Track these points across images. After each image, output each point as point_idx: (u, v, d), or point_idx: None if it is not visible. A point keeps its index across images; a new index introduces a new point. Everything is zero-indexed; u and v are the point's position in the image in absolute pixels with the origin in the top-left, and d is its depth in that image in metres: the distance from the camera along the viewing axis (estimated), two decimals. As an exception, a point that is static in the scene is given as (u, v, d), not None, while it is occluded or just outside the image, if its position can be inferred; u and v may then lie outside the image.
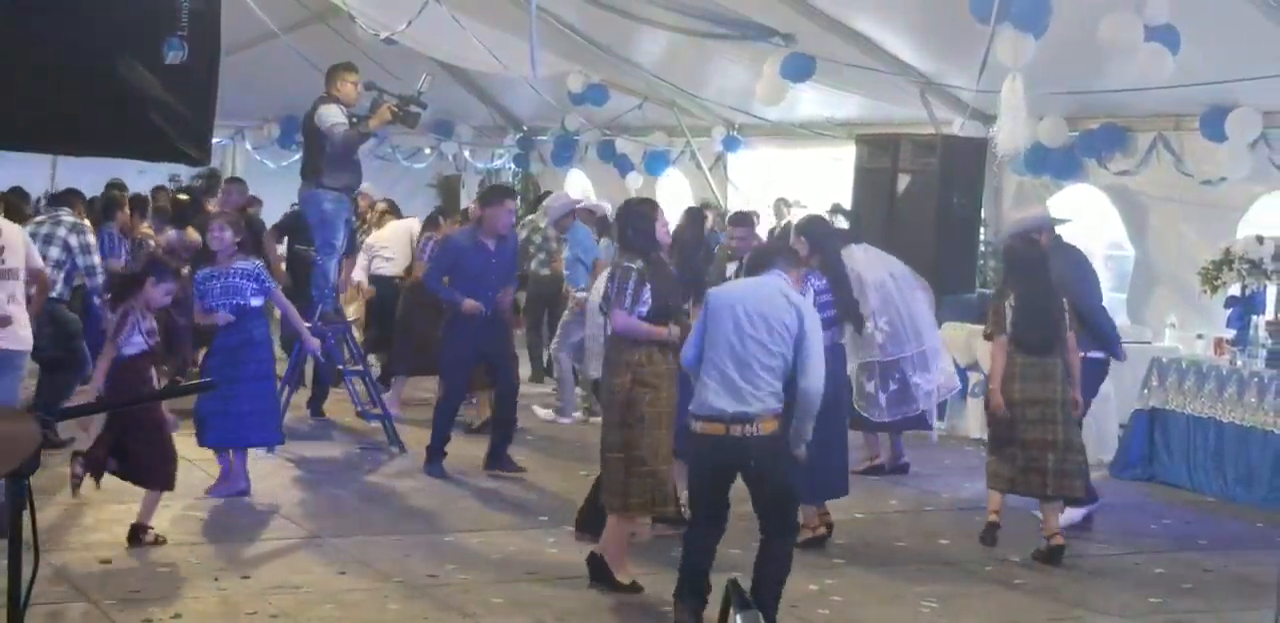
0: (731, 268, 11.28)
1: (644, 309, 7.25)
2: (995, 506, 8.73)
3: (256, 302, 9.28)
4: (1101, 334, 9.28)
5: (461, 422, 11.14)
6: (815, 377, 6.62)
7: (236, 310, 9.18)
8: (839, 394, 8.31)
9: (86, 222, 11.24)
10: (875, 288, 9.26)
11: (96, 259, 10.82)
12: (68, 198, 11.52)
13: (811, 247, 8.43)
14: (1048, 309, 8.49)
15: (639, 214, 7.56)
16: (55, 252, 10.52)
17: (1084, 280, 9.28)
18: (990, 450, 8.76)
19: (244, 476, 9.37)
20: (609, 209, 14.57)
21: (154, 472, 8.12)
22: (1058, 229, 9.48)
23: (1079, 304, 8.82)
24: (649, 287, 7.27)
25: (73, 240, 10.62)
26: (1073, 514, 9.03)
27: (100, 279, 10.75)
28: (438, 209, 15.23)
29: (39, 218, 11.05)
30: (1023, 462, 8.47)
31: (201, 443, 9.32)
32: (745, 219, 11.07)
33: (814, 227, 8.80)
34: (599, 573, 7.49)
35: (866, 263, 9.34)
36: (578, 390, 12.59)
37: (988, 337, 8.74)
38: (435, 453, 10.18)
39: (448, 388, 10.38)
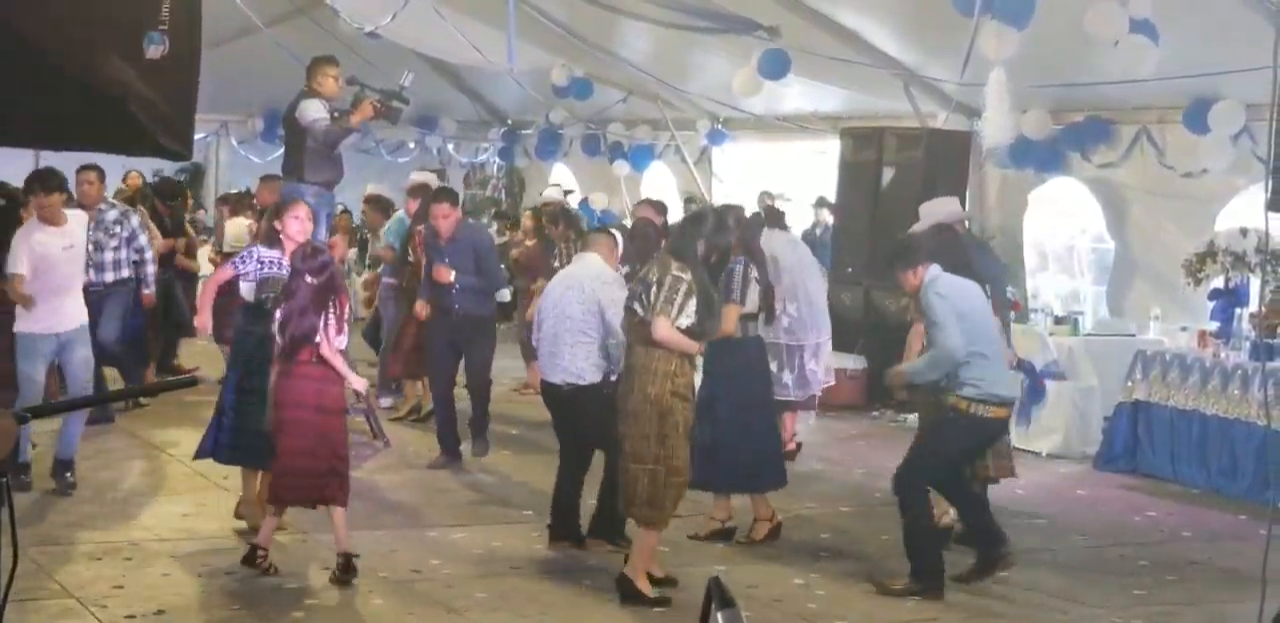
0: None
1: (687, 322, 7.15)
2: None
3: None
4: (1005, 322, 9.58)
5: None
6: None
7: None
8: (765, 386, 8.55)
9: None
10: (788, 271, 9.89)
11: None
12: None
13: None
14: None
15: (703, 220, 7.50)
16: None
17: (1002, 273, 9.50)
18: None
19: None
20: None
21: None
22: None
23: (998, 293, 9.14)
24: (694, 300, 7.17)
25: None
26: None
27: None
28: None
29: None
30: None
31: (256, 461, 8.17)
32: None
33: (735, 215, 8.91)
34: (631, 593, 7.23)
35: (782, 247, 9.91)
36: None
37: (911, 321, 8.89)
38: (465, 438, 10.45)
39: (430, 383, 10.65)
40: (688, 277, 7.15)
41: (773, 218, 10.50)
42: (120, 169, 15.31)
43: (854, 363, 12.74)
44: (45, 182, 8.39)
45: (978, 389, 7.45)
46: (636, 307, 7.21)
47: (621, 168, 18.70)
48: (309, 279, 7.40)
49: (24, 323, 8.85)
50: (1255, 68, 9.67)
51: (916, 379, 7.83)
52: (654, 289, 7.14)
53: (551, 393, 8.11)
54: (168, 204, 13.57)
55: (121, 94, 5.04)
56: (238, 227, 13.75)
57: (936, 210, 9.69)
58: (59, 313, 8.89)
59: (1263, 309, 10.20)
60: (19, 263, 8.65)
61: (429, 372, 10.86)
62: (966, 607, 7.42)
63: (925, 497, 7.62)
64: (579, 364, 7.91)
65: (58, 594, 7.03)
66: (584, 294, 7.91)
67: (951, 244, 8.52)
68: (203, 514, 8.76)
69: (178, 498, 9.14)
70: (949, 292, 7.51)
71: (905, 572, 7.57)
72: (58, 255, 8.76)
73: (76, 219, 8.96)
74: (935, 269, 7.59)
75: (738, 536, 8.43)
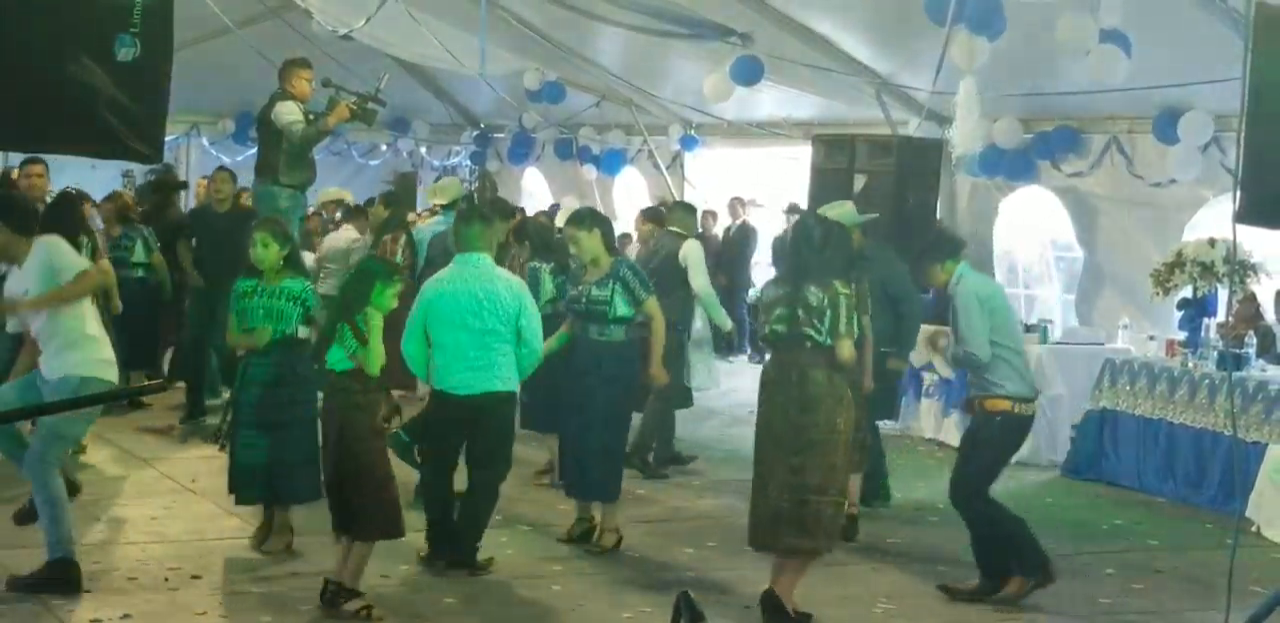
0: None
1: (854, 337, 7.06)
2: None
3: (304, 332, 7.93)
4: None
5: None
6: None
7: (280, 341, 7.91)
8: (634, 394, 8.56)
9: None
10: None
11: None
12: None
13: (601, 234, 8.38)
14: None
15: (828, 231, 7.19)
16: None
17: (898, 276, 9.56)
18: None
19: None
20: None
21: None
22: None
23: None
24: (856, 314, 7.08)
25: None
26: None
27: None
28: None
29: None
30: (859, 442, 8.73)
31: (244, 500, 8.16)
32: None
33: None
34: (776, 609, 7.05)
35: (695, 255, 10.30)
36: None
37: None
38: None
39: None
40: (850, 292, 6.99)
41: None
42: (88, 171, 15.24)
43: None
44: None
45: (1015, 387, 7.45)
46: (810, 332, 6.90)
47: (590, 172, 18.70)
48: None
49: None
50: (1224, 79, 9.77)
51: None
52: (829, 313, 6.87)
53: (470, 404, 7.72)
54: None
55: (91, 96, 5.01)
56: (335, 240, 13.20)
57: (864, 216, 9.80)
58: None
59: (1230, 319, 10.27)
60: None
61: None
62: (935, 613, 7.44)
63: (994, 503, 7.63)
64: (507, 372, 7.73)
65: (24, 598, 6.98)
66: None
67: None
68: (170, 517, 8.72)
69: (146, 501, 9.10)
70: (979, 288, 7.51)
71: (874, 578, 7.58)
72: None
73: None
74: (965, 266, 7.59)
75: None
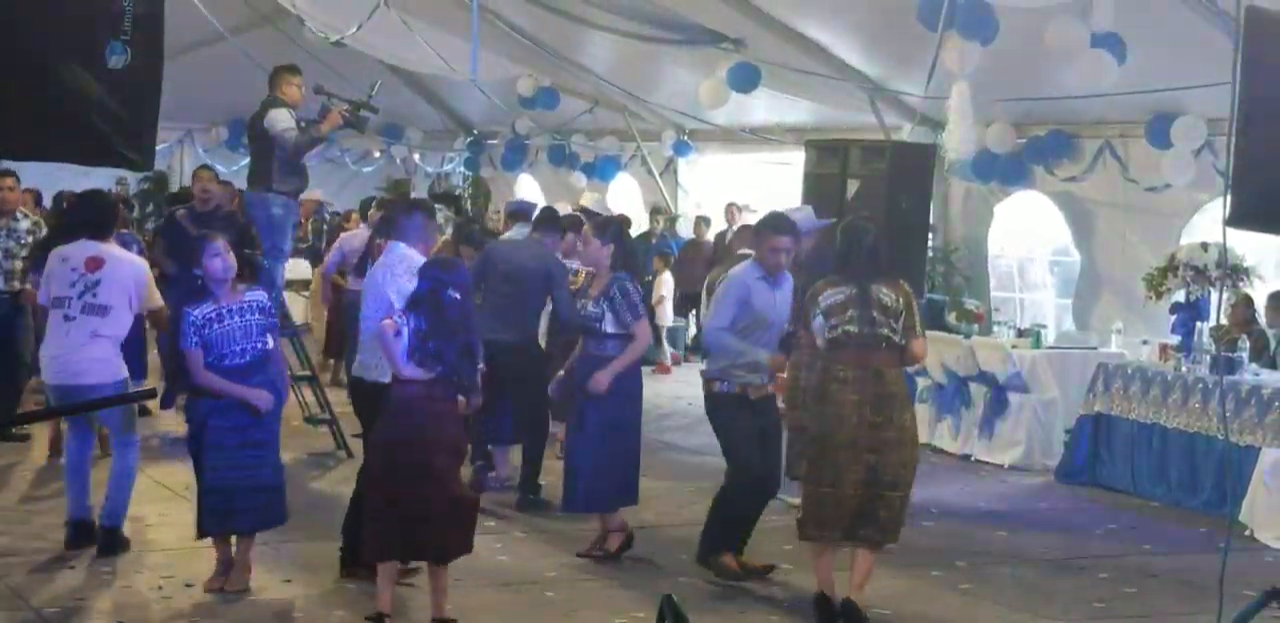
0: None
1: None
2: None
3: (272, 342, 7.45)
4: None
5: None
6: None
7: (258, 356, 7.38)
8: (634, 408, 8.33)
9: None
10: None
11: None
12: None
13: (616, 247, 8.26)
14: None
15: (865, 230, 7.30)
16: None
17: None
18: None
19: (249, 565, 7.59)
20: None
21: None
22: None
23: None
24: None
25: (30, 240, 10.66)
26: None
27: None
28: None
29: None
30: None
31: (214, 529, 7.43)
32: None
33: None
34: (859, 617, 7.13)
35: None
36: None
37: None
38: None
39: None
40: (911, 291, 7.19)
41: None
42: (80, 177, 15.26)
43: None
44: None
45: None
46: (887, 332, 7.03)
47: (580, 179, 18.70)
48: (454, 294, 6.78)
49: None
50: (1216, 83, 9.79)
51: None
52: (904, 313, 7.05)
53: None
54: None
55: (82, 103, 5.00)
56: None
57: (804, 219, 9.88)
58: None
59: (1221, 322, 10.28)
60: None
61: None
62: (925, 617, 7.44)
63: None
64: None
65: (19, 607, 6.97)
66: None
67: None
68: (164, 524, 8.70)
69: (139, 508, 9.07)
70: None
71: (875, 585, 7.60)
72: None
73: None
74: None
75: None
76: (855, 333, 7.04)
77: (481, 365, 7.02)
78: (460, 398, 6.87)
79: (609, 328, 8.09)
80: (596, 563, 8.18)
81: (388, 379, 7.03)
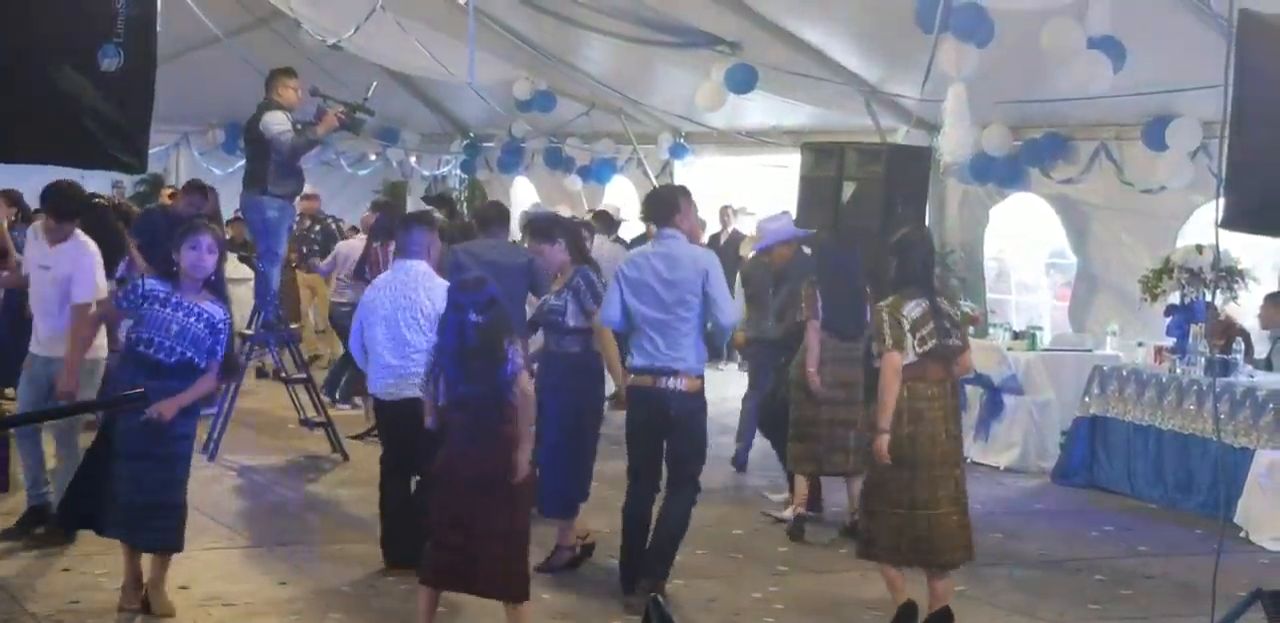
0: None
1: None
2: (802, 497, 9.07)
3: (204, 367, 6.82)
4: None
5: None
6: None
7: (185, 366, 6.77)
8: (594, 406, 8.17)
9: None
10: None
11: None
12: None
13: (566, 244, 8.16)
14: (853, 296, 9.06)
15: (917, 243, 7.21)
16: None
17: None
18: (792, 437, 9.04)
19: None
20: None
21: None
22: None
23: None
24: None
25: None
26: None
27: None
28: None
29: None
30: (826, 441, 8.88)
31: (137, 542, 7.02)
32: None
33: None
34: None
35: (609, 255, 10.44)
36: None
37: (802, 322, 9.08)
38: None
39: None
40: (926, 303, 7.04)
41: (606, 225, 10.89)
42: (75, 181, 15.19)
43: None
44: None
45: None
46: (959, 343, 6.99)
47: (575, 182, 18.69)
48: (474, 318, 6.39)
49: None
50: (1211, 85, 9.79)
51: None
52: (957, 324, 7.08)
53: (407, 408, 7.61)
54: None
55: (75, 106, 5.00)
56: None
57: (781, 228, 10.01)
58: None
59: (1210, 324, 10.29)
60: None
61: None
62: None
63: None
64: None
65: (10, 609, 6.97)
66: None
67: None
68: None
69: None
70: None
71: (862, 585, 7.56)
72: None
73: None
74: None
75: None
76: (937, 346, 6.92)
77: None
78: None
79: (570, 321, 7.93)
80: (590, 566, 8.15)
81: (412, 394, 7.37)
